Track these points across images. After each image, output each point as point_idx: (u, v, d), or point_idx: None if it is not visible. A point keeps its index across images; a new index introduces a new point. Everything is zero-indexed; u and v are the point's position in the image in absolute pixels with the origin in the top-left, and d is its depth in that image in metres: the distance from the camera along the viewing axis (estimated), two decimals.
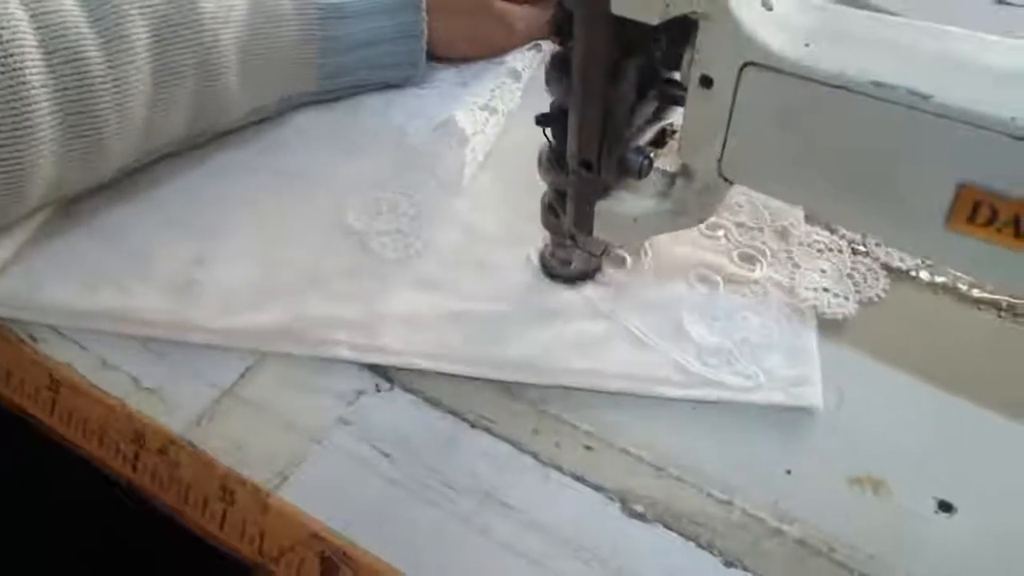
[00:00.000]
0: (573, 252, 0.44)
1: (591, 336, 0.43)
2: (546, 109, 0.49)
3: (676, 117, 0.40)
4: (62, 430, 0.41)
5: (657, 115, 0.39)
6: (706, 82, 0.33)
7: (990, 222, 0.30)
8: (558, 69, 0.37)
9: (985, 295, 0.46)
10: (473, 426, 0.40)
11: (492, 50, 0.57)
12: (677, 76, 0.36)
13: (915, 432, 0.41)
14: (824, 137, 0.32)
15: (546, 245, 0.46)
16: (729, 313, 0.44)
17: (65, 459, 0.42)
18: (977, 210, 0.30)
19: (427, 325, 0.43)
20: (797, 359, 0.42)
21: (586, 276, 0.45)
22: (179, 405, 0.40)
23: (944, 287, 0.46)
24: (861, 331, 0.44)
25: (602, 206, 0.39)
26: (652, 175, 0.39)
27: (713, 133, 0.34)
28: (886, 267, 0.47)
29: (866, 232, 0.45)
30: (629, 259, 0.46)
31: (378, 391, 0.41)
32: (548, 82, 0.38)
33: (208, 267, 0.45)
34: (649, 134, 0.39)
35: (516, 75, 0.56)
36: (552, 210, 0.43)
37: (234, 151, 0.51)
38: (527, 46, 0.58)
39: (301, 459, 0.39)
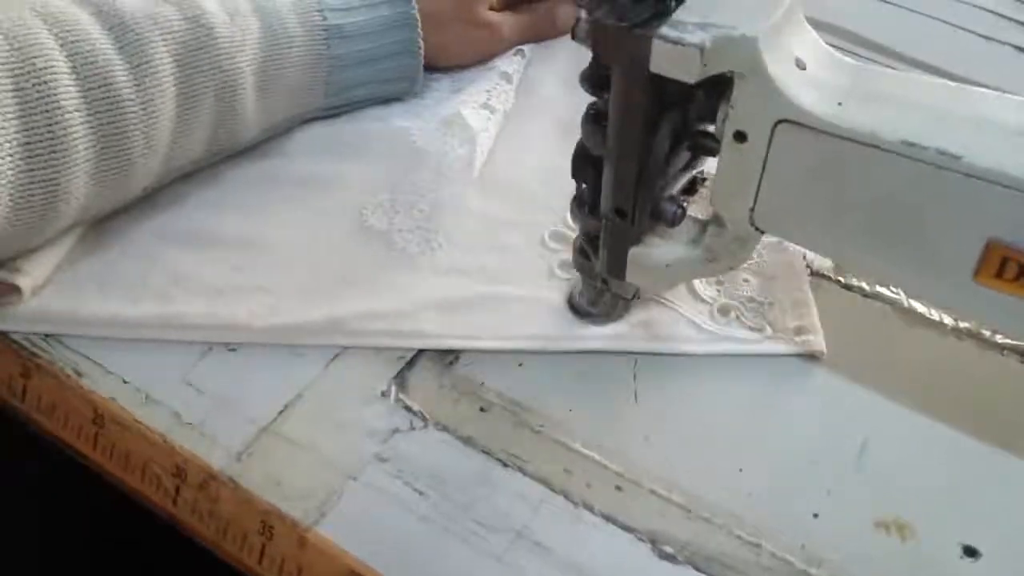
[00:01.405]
0: (603, 294, 0.45)
1: None
2: (535, 108, 0.57)
3: (707, 165, 0.41)
4: (105, 464, 0.42)
5: (689, 164, 0.40)
6: (740, 137, 0.34)
7: (1017, 277, 0.31)
8: (593, 120, 0.38)
9: (1008, 341, 0.46)
10: (505, 465, 0.41)
11: (480, 56, 0.60)
12: (711, 127, 0.37)
13: (941, 476, 0.41)
14: (855, 193, 0.33)
15: (575, 285, 0.47)
16: (731, 276, 0.48)
17: (102, 488, 0.43)
18: (1005, 266, 0.31)
19: (458, 308, 0.47)
20: (797, 311, 0.47)
21: (614, 316, 0.46)
22: (219, 440, 0.41)
23: (968, 332, 0.47)
24: (886, 375, 0.45)
25: (635, 252, 0.40)
26: (684, 223, 0.40)
27: (746, 186, 0.35)
28: (909, 312, 0.48)
29: (895, 284, 0.46)
30: None
31: (412, 428, 0.42)
32: (583, 132, 0.39)
33: (245, 273, 0.47)
34: (681, 182, 0.40)
35: (508, 78, 0.59)
36: (583, 253, 0.44)
37: (249, 164, 0.53)
38: (512, 51, 0.61)
39: (338, 495, 0.40)
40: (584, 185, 0.41)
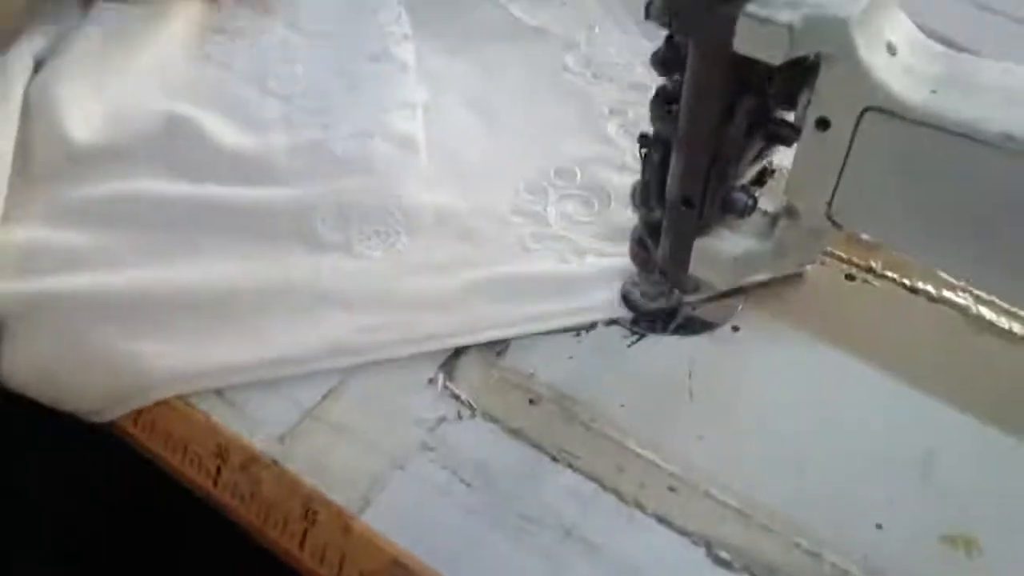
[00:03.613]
0: (660, 288, 0.43)
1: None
2: (446, 94, 0.57)
3: (777, 156, 0.39)
4: (146, 441, 0.41)
5: (761, 153, 0.38)
6: (823, 124, 0.33)
7: None
8: (663, 103, 0.37)
9: None
10: (555, 460, 0.40)
11: None
12: (788, 115, 0.35)
13: (1009, 491, 0.39)
14: (946, 188, 0.31)
15: (631, 279, 0.45)
16: None
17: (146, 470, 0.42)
18: None
19: (453, 303, 0.45)
20: None
21: (672, 313, 0.44)
22: (262, 423, 0.40)
23: None
24: (952, 384, 0.43)
25: (700, 243, 0.38)
26: (753, 215, 0.38)
27: (825, 176, 0.34)
28: (977, 319, 0.46)
29: (984, 287, 0.44)
30: None
31: (460, 418, 0.41)
32: (652, 115, 0.37)
33: (218, 315, 0.44)
34: (751, 172, 0.39)
35: (407, 68, 0.59)
36: (642, 244, 0.42)
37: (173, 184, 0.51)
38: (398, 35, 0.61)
39: (384, 483, 0.38)
40: (645, 172, 0.40)
